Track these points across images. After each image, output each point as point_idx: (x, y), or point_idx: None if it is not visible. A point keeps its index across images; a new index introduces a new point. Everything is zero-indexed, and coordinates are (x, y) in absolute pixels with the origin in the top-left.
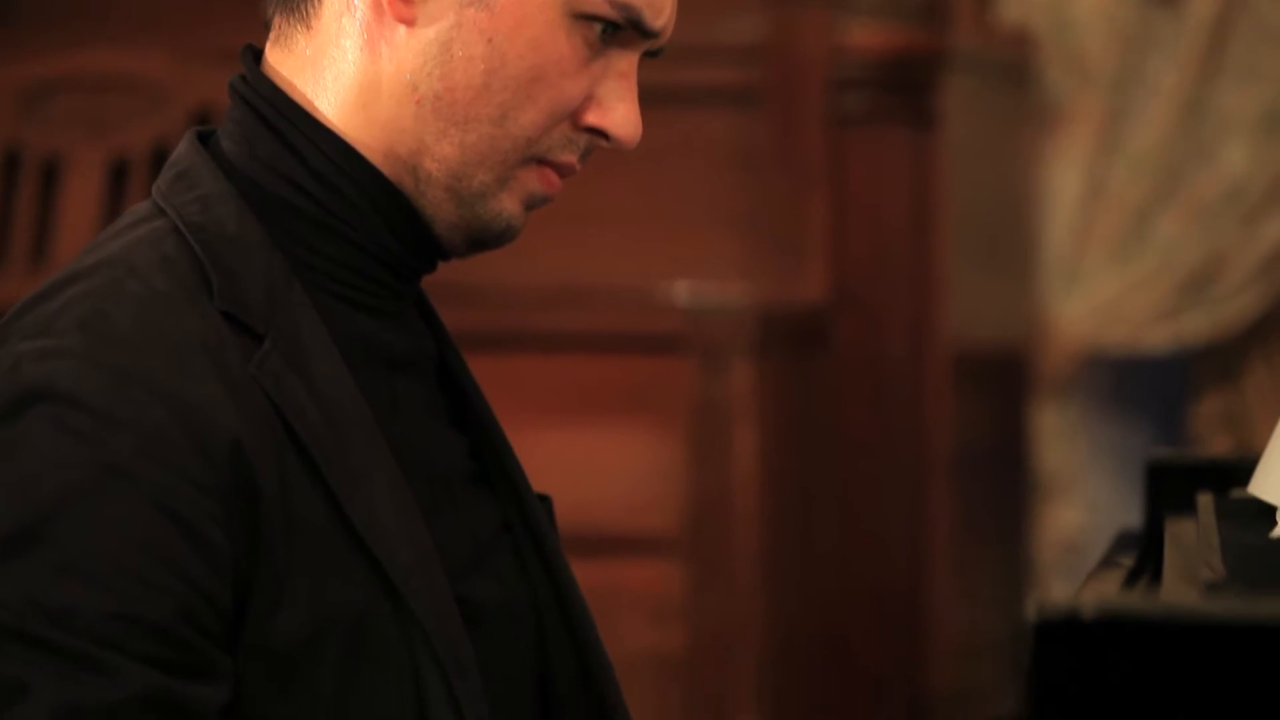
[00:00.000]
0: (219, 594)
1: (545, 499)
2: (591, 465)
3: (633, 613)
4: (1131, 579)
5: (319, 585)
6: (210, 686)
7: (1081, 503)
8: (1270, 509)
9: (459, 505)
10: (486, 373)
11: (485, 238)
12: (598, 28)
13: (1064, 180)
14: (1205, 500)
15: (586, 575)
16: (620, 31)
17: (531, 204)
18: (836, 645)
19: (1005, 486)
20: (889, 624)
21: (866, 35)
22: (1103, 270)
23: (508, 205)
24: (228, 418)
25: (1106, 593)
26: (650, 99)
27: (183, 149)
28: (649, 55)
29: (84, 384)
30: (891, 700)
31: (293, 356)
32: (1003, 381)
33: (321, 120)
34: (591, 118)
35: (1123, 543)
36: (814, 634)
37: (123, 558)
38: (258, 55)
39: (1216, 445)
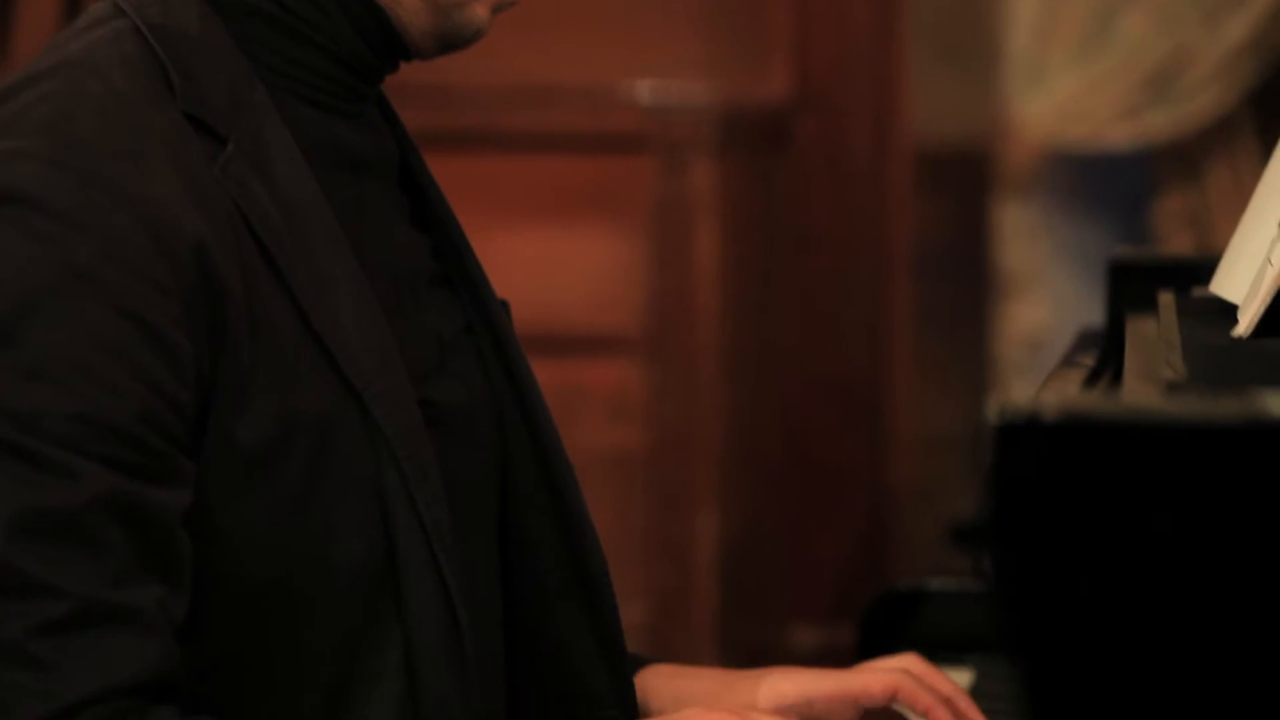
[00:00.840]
0: (181, 398)
1: (504, 304)
2: (552, 265)
3: (594, 411)
4: (1092, 379)
5: (283, 389)
6: (172, 490)
7: (1043, 301)
8: (1231, 308)
9: (423, 306)
10: (446, 173)
11: (456, 42)
12: None
13: None
14: (1167, 299)
15: (548, 375)
16: None
17: (499, 8)
18: (797, 442)
19: (967, 284)
20: (849, 421)
21: None
22: (1065, 67)
23: (480, 12)
24: (192, 220)
25: (1067, 393)
26: None
27: None
28: None
29: (48, 187)
30: (851, 497)
31: (256, 159)
32: (965, 179)
33: None
34: None
35: (1084, 341)
36: (774, 431)
37: (85, 361)
38: None
39: (1178, 244)
